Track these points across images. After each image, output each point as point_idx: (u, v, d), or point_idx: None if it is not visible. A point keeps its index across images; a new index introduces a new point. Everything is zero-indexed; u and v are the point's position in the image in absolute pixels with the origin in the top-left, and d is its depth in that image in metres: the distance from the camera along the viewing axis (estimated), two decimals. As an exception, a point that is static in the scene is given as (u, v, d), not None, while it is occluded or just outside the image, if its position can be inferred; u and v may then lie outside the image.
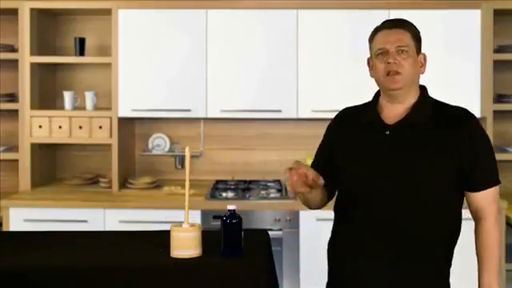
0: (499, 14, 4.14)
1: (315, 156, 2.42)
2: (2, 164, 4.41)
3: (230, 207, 2.22)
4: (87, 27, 4.48)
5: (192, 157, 4.34)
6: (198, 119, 4.44)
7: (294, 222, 3.84)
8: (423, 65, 2.25)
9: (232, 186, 4.23)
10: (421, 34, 2.28)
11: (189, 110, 4.13)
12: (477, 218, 2.21)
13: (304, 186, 2.06)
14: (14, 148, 4.31)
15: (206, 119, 4.43)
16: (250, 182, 4.34)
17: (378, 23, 2.32)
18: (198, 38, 4.10)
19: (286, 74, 4.10)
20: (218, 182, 4.35)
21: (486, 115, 4.08)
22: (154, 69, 4.13)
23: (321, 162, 2.36)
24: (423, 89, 2.28)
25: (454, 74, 4.07)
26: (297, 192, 2.11)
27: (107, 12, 4.17)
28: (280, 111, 4.11)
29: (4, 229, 3.84)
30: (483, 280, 2.19)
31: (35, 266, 2.19)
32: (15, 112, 4.24)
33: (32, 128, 4.16)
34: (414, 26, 2.26)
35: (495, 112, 4.13)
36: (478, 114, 4.08)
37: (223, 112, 4.15)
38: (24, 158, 4.18)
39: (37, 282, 2.13)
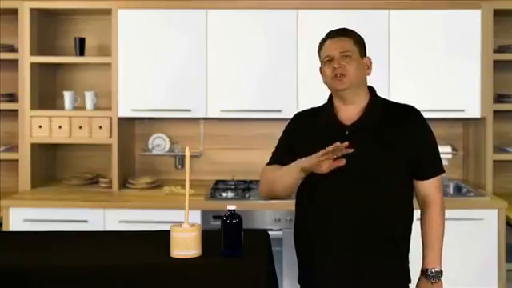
0: (499, 14, 4.14)
1: (274, 154, 2.57)
2: (2, 164, 4.41)
3: (230, 207, 2.22)
4: (87, 27, 4.49)
5: (192, 157, 4.34)
6: (197, 119, 4.44)
7: (293, 221, 3.83)
8: (369, 67, 2.43)
9: (232, 186, 4.22)
10: (364, 41, 2.44)
11: (189, 110, 4.13)
12: (424, 204, 2.39)
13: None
14: (14, 148, 4.31)
15: (206, 119, 4.43)
16: (250, 181, 4.33)
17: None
18: (198, 38, 4.10)
19: (285, 73, 4.10)
20: (218, 181, 4.34)
21: (486, 115, 4.08)
22: (154, 69, 4.13)
23: (281, 160, 2.49)
24: (372, 90, 2.44)
25: (454, 74, 4.07)
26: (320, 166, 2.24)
27: (107, 12, 4.17)
28: (280, 111, 4.11)
29: (4, 229, 3.84)
30: (429, 258, 2.37)
31: (35, 265, 2.19)
32: (15, 112, 4.23)
33: (32, 128, 4.16)
34: (356, 33, 2.44)
35: (495, 112, 4.13)
36: (477, 114, 4.08)
37: (223, 112, 4.15)
38: (24, 158, 4.18)
39: (37, 282, 2.13)
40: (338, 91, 2.38)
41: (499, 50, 4.24)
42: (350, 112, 2.38)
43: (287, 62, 4.09)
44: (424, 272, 2.37)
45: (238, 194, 4.01)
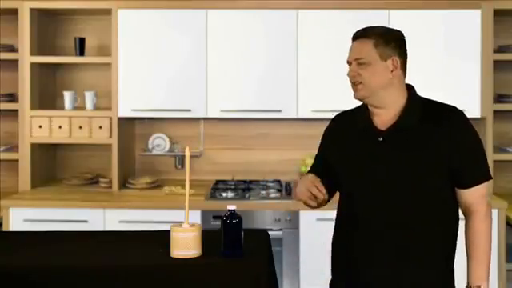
0: (499, 14, 4.14)
1: (315, 157, 2.48)
2: (2, 164, 4.41)
3: (230, 207, 2.22)
4: (87, 27, 4.49)
5: (192, 157, 4.34)
6: (198, 119, 4.44)
7: (293, 222, 3.84)
8: (396, 68, 2.23)
9: (232, 186, 4.22)
10: (395, 38, 2.26)
11: (189, 110, 4.13)
12: (467, 213, 2.22)
13: (311, 199, 2.20)
14: (14, 148, 4.31)
15: (206, 119, 4.43)
16: (250, 181, 4.34)
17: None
18: (198, 38, 4.11)
19: (285, 73, 4.10)
20: (218, 181, 4.34)
21: (485, 115, 4.08)
22: (154, 69, 4.13)
23: (321, 165, 2.42)
24: (411, 90, 2.30)
25: (454, 74, 4.07)
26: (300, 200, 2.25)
27: (107, 12, 4.17)
28: (280, 111, 4.11)
29: (4, 229, 3.84)
30: (473, 273, 2.19)
31: (35, 265, 2.19)
32: (15, 112, 4.24)
33: (32, 128, 4.16)
34: (382, 32, 2.26)
35: (495, 112, 4.13)
36: (477, 114, 4.08)
37: (223, 112, 4.15)
38: (24, 158, 4.18)
39: (37, 282, 2.13)
40: (357, 99, 2.29)
41: (499, 50, 4.24)
42: (385, 116, 2.25)
43: (287, 62, 4.09)
44: None
45: (238, 194, 4.01)
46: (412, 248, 2.17)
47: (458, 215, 2.26)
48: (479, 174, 2.20)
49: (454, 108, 2.25)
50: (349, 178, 2.28)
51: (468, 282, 2.20)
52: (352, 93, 2.39)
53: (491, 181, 2.28)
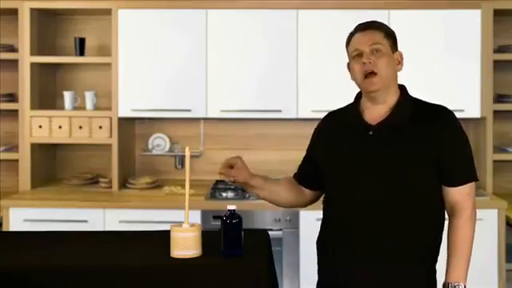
0: (499, 14, 4.14)
1: (303, 159, 2.49)
2: (2, 164, 4.41)
3: (230, 207, 2.22)
4: (87, 27, 4.49)
5: (192, 157, 4.34)
6: (198, 119, 4.44)
7: (293, 222, 3.84)
8: (400, 62, 2.27)
9: (232, 186, 4.22)
10: (395, 33, 2.31)
11: (189, 110, 4.13)
12: (453, 211, 2.22)
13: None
14: (14, 148, 4.31)
15: (206, 119, 4.43)
16: (250, 181, 4.33)
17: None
18: (198, 38, 4.11)
19: (285, 73, 4.10)
20: (217, 182, 4.34)
21: (485, 115, 4.08)
22: (154, 69, 4.13)
23: (307, 166, 2.43)
24: (403, 88, 2.30)
25: (454, 74, 4.07)
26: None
27: (107, 12, 4.18)
28: (280, 111, 4.11)
29: (4, 229, 3.84)
30: (453, 272, 2.19)
31: (35, 265, 2.19)
32: (15, 112, 4.24)
33: (32, 128, 4.16)
34: (387, 26, 2.30)
35: (495, 112, 4.13)
36: (477, 114, 4.08)
37: (223, 112, 4.15)
38: (24, 158, 4.18)
39: (37, 282, 2.13)
40: (369, 93, 2.23)
41: (499, 50, 4.24)
42: (377, 111, 2.24)
43: (287, 62, 4.09)
44: (446, 287, 2.19)
45: (238, 194, 4.01)
46: (399, 247, 2.17)
47: (444, 216, 2.27)
48: (468, 174, 2.23)
49: (445, 108, 2.26)
50: (334, 177, 2.26)
51: (446, 279, 2.20)
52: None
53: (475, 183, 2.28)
